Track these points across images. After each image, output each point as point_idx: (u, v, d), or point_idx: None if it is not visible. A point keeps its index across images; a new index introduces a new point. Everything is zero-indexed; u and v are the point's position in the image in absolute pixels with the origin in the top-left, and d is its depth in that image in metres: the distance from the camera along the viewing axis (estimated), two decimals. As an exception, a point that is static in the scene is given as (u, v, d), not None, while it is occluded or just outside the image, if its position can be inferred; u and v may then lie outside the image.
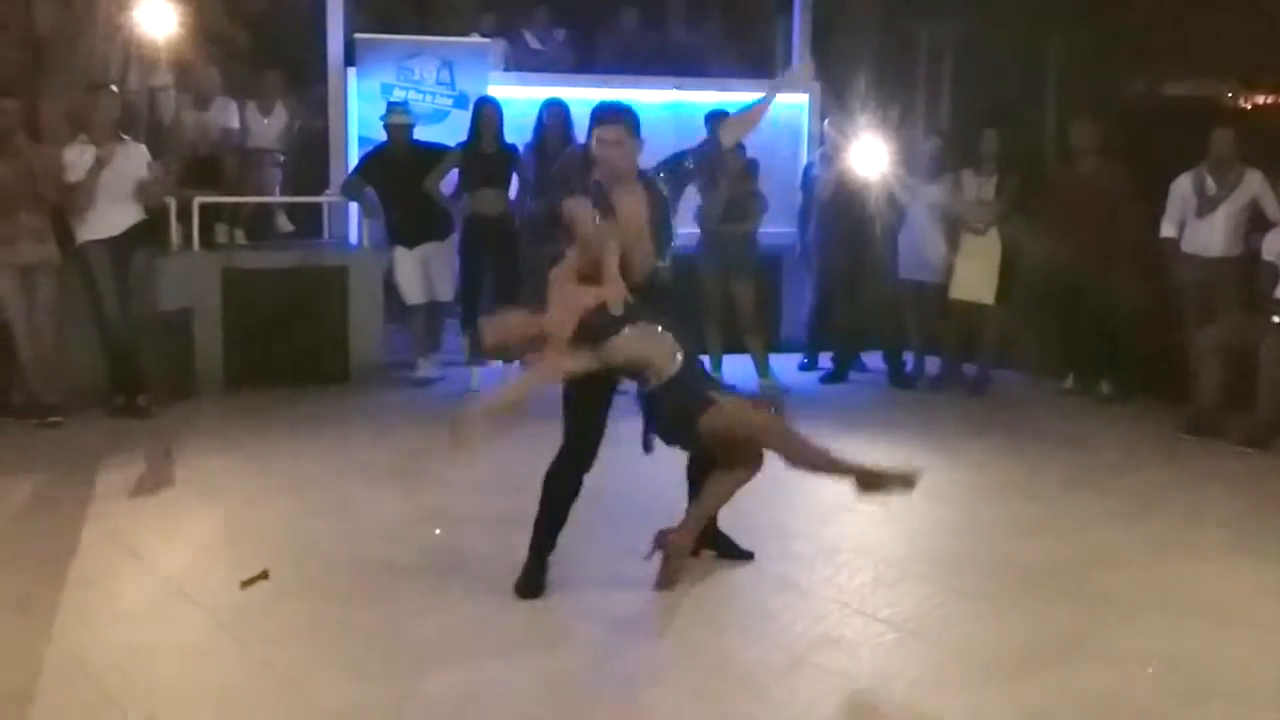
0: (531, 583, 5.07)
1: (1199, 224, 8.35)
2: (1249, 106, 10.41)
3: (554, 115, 9.07)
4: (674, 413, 4.96)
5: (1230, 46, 9.55)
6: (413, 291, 9.12)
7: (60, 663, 4.35)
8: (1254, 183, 8.18)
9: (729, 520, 5.46)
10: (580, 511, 5.21)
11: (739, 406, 4.98)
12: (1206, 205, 8.30)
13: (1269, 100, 10.38)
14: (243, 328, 8.73)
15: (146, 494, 4.94)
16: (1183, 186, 8.43)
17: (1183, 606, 5.08)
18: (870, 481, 4.84)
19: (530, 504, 5.18)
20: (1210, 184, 8.31)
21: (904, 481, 4.82)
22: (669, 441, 5.10)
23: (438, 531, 5.73)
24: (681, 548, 5.14)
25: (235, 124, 9.71)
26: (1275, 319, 7.63)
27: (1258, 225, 8.18)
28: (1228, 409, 7.82)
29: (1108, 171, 8.91)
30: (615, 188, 5.07)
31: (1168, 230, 8.49)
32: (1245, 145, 8.31)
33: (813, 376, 9.77)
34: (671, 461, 5.36)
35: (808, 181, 9.86)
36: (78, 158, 7.77)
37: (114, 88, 8.17)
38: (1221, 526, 6.17)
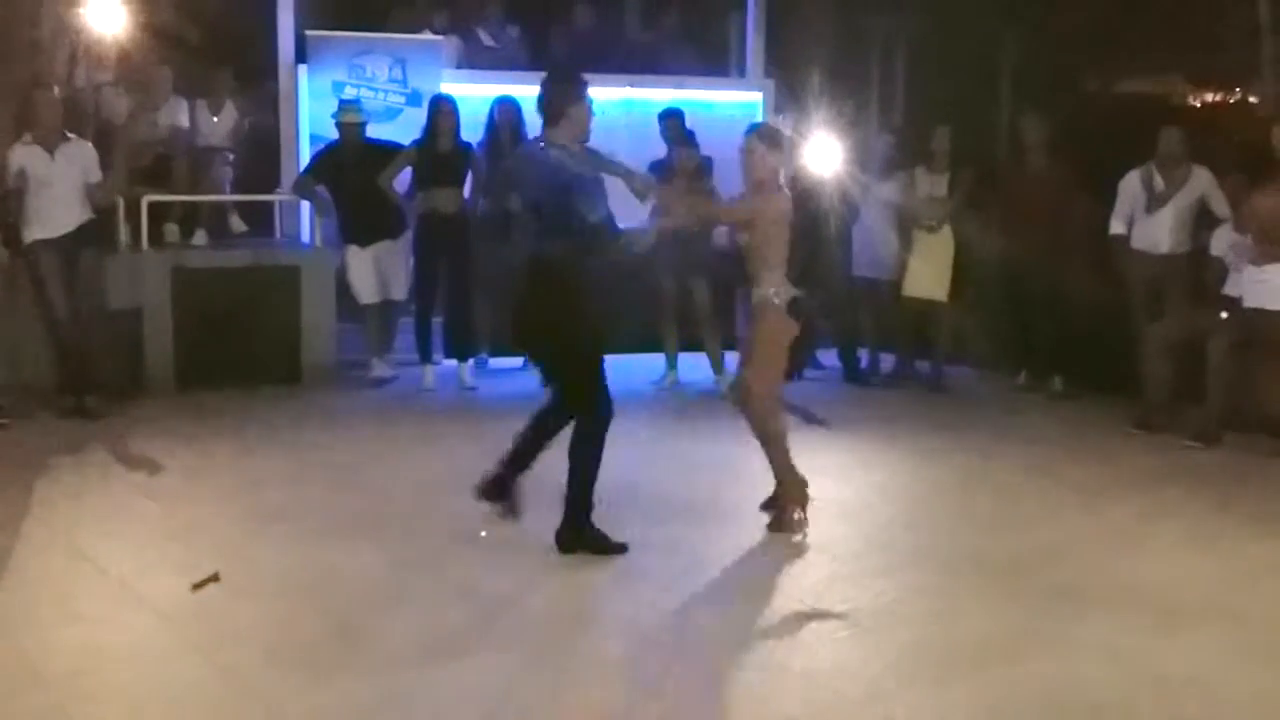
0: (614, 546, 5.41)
1: (1148, 220, 8.42)
2: (1197, 104, 10.53)
3: (505, 112, 9.03)
4: None
5: (1180, 45, 9.64)
6: (366, 291, 9.06)
7: (12, 667, 4.29)
8: (1202, 180, 8.26)
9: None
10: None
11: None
12: (1155, 202, 8.37)
13: (1217, 98, 10.49)
14: (193, 328, 8.63)
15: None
16: (1131, 183, 8.50)
17: (1135, 600, 5.13)
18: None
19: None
20: (1159, 181, 8.38)
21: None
22: None
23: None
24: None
25: (185, 122, 9.61)
26: (1223, 314, 7.71)
27: (1205, 222, 8.27)
28: (1177, 404, 7.90)
29: (1058, 169, 8.98)
30: None
31: (1117, 227, 8.56)
32: (1193, 143, 8.40)
33: (768, 374, 9.77)
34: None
35: (762, 179, 9.85)
36: (22, 157, 7.67)
37: (55, 87, 8.06)
38: (1172, 521, 6.23)
